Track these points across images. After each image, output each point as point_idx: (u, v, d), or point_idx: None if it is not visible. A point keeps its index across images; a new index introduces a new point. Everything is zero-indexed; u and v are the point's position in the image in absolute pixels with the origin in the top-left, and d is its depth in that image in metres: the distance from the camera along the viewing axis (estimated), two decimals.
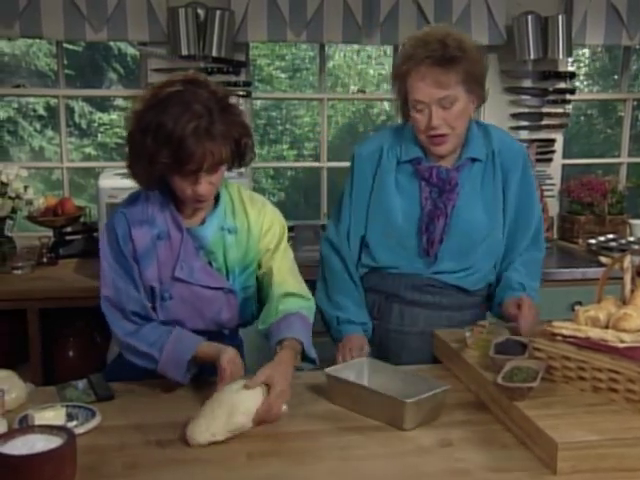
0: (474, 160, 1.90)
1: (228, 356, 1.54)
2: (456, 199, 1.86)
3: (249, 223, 1.74)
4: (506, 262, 1.97)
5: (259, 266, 1.77)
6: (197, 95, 1.54)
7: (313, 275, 2.95)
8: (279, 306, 1.68)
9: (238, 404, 1.41)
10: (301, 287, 1.76)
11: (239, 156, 1.65)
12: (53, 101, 4.97)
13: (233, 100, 1.64)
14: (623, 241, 3.37)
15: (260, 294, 1.80)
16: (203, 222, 1.70)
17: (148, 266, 1.65)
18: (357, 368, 1.64)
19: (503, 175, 1.91)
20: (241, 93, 3.38)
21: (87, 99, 5.79)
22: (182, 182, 1.58)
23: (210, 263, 1.70)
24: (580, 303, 2.72)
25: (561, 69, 3.64)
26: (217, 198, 1.71)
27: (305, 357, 1.65)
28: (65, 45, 3.61)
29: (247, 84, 3.42)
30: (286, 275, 1.74)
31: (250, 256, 1.74)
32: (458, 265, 1.90)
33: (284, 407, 1.47)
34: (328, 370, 1.60)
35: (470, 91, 1.80)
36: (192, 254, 1.67)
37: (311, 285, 2.94)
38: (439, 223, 1.86)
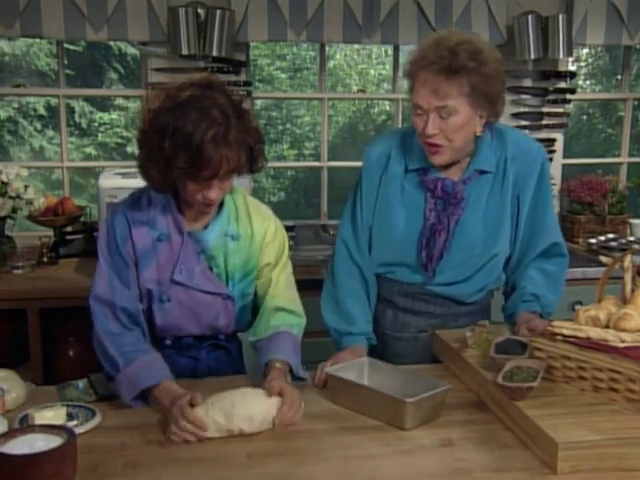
0: (483, 172, 1.83)
1: (186, 403, 1.42)
2: (461, 214, 1.81)
3: (252, 231, 1.73)
4: (519, 270, 1.91)
5: (257, 277, 1.77)
6: (215, 100, 1.54)
7: (313, 274, 2.95)
8: (270, 320, 1.70)
9: (239, 409, 1.41)
10: (295, 303, 1.78)
11: (251, 162, 1.65)
12: (53, 101, 4.97)
13: (247, 105, 1.64)
14: (623, 241, 3.38)
15: (255, 304, 1.80)
16: (206, 227, 1.69)
17: (147, 267, 1.65)
18: (358, 368, 1.64)
19: (518, 182, 1.83)
20: (241, 93, 3.38)
21: (87, 99, 5.79)
22: (194, 186, 1.57)
23: (211, 268, 1.69)
24: (580, 303, 2.73)
25: (561, 69, 3.64)
26: (221, 204, 1.70)
27: (293, 376, 1.64)
28: (65, 45, 3.61)
29: (247, 84, 3.42)
30: (282, 289, 1.76)
31: (251, 264, 1.73)
32: (455, 277, 1.86)
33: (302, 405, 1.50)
34: (329, 370, 1.60)
35: (476, 105, 1.70)
36: (193, 258, 1.66)
37: (311, 285, 2.94)
38: (440, 239, 1.80)
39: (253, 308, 1.81)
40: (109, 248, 1.66)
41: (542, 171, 1.86)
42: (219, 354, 1.80)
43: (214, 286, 1.68)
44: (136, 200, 1.68)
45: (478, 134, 1.77)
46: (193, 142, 1.49)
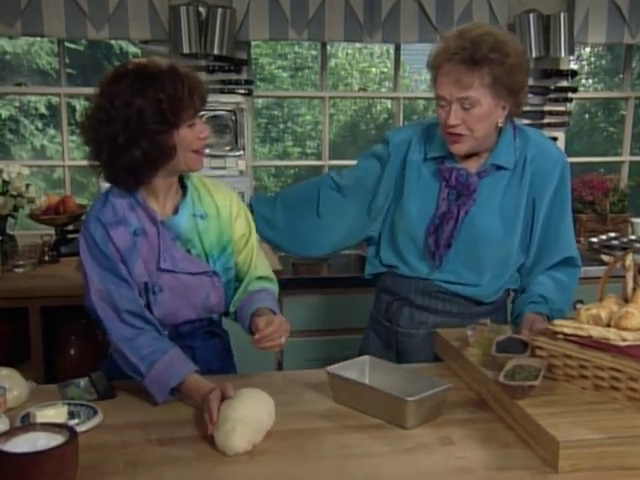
0: (499, 168, 1.83)
1: (216, 396, 1.44)
2: (471, 205, 1.81)
3: (217, 207, 1.77)
4: (531, 276, 1.90)
5: (237, 250, 1.80)
6: (155, 63, 1.62)
7: (313, 274, 2.95)
8: (248, 289, 1.77)
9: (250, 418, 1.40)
10: (268, 270, 1.85)
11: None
12: (54, 99, 4.97)
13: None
14: (625, 239, 3.37)
15: (237, 277, 1.83)
16: (176, 212, 1.71)
17: (135, 263, 1.65)
18: (359, 366, 1.64)
19: (535, 184, 1.83)
20: (242, 92, 3.38)
21: (89, 98, 5.78)
22: (190, 131, 1.61)
23: (189, 251, 1.72)
24: (582, 302, 2.71)
25: (563, 67, 3.63)
26: (185, 187, 1.74)
27: None
28: (67, 44, 3.61)
29: (249, 82, 3.42)
30: (259, 259, 1.83)
31: (225, 238, 1.76)
32: (467, 274, 1.86)
33: (283, 339, 1.58)
34: (330, 368, 1.60)
35: (498, 96, 1.72)
36: (170, 245, 1.68)
37: (311, 284, 2.95)
38: (447, 227, 1.81)
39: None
40: (94, 256, 1.64)
41: (561, 178, 1.85)
42: (214, 342, 1.82)
43: (198, 266, 1.71)
44: (103, 203, 1.68)
45: (500, 125, 1.79)
46: (164, 90, 1.55)
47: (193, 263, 1.70)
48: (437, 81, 1.75)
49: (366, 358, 1.67)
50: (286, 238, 2.06)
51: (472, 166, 1.84)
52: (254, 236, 1.83)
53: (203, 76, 3.19)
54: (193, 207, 1.73)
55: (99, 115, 1.60)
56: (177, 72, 1.60)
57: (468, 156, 1.84)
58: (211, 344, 1.80)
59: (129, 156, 1.58)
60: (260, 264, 1.82)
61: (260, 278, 1.79)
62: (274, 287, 1.83)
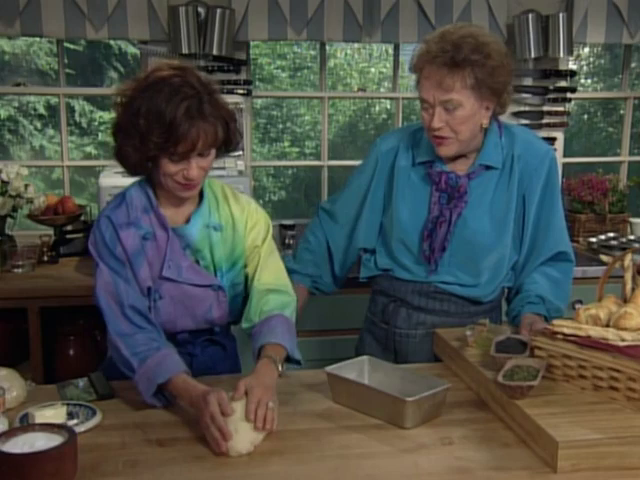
0: (488, 168, 1.84)
1: (216, 410, 1.37)
2: (463, 207, 1.81)
3: (234, 220, 1.73)
4: (522, 276, 1.91)
5: (246, 264, 1.76)
6: (184, 78, 1.56)
7: None
8: (262, 305, 1.67)
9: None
10: (284, 284, 1.76)
11: (227, 140, 1.65)
12: (54, 100, 4.96)
13: (216, 87, 1.66)
14: (624, 240, 3.38)
15: (245, 291, 1.78)
16: (188, 221, 1.68)
17: (140, 266, 1.65)
18: (358, 366, 1.64)
19: (524, 181, 1.83)
20: (241, 92, 3.38)
21: (87, 98, 5.79)
22: (173, 166, 1.56)
23: (197, 261, 1.69)
24: (581, 302, 2.72)
25: (562, 67, 3.63)
26: (201, 195, 1.70)
27: (289, 359, 1.64)
28: (65, 44, 3.61)
29: (248, 83, 3.42)
30: (270, 271, 1.74)
31: (237, 252, 1.73)
32: (464, 276, 1.86)
33: (270, 404, 1.42)
34: (329, 369, 1.60)
35: (481, 98, 1.72)
36: (179, 254, 1.66)
37: None
38: (441, 230, 1.82)
39: (244, 296, 1.79)
40: (103, 252, 1.65)
41: (549, 174, 1.86)
42: (214, 350, 1.80)
43: (203, 279, 1.68)
44: (117, 204, 1.68)
45: (485, 126, 1.79)
46: (167, 117, 1.50)
47: (199, 275, 1.68)
48: (420, 84, 1.75)
49: (365, 358, 1.67)
50: (326, 283, 2.11)
51: (460, 168, 1.85)
52: (265, 248, 1.75)
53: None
54: (208, 217, 1.70)
55: (116, 124, 1.61)
56: (195, 115, 1.53)
57: (456, 158, 1.84)
58: (211, 352, 1.79)
59: (119, 146, 1.60)
60: (273, 277, 1.74)
61: (271, 291, 1.70)
62: (289, 301, 1.72)
